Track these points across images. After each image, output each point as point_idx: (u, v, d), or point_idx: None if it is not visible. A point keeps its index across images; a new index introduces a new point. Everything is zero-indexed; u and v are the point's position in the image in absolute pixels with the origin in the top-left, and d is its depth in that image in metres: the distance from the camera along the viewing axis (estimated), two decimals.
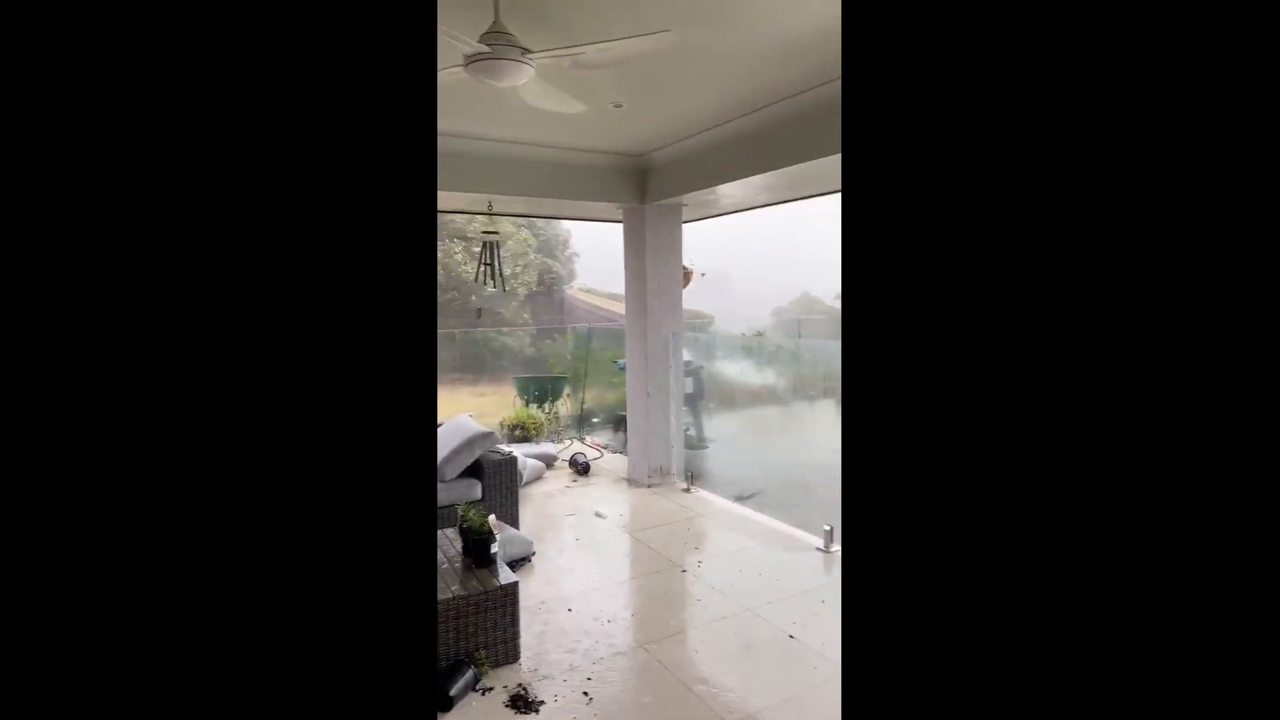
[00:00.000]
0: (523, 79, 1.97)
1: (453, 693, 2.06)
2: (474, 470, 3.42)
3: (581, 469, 4.83)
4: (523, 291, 10.21)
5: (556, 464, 5.04)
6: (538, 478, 4.70)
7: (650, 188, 4.28)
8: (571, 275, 12.16)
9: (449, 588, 2.28)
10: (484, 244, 4.82)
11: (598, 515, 3.93)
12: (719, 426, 5.01)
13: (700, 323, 8.47)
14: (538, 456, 4.88)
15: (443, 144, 3.55)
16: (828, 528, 3.32)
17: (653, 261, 4.37)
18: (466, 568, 2.45)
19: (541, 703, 2.09)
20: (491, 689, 2.16)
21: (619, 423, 5.50)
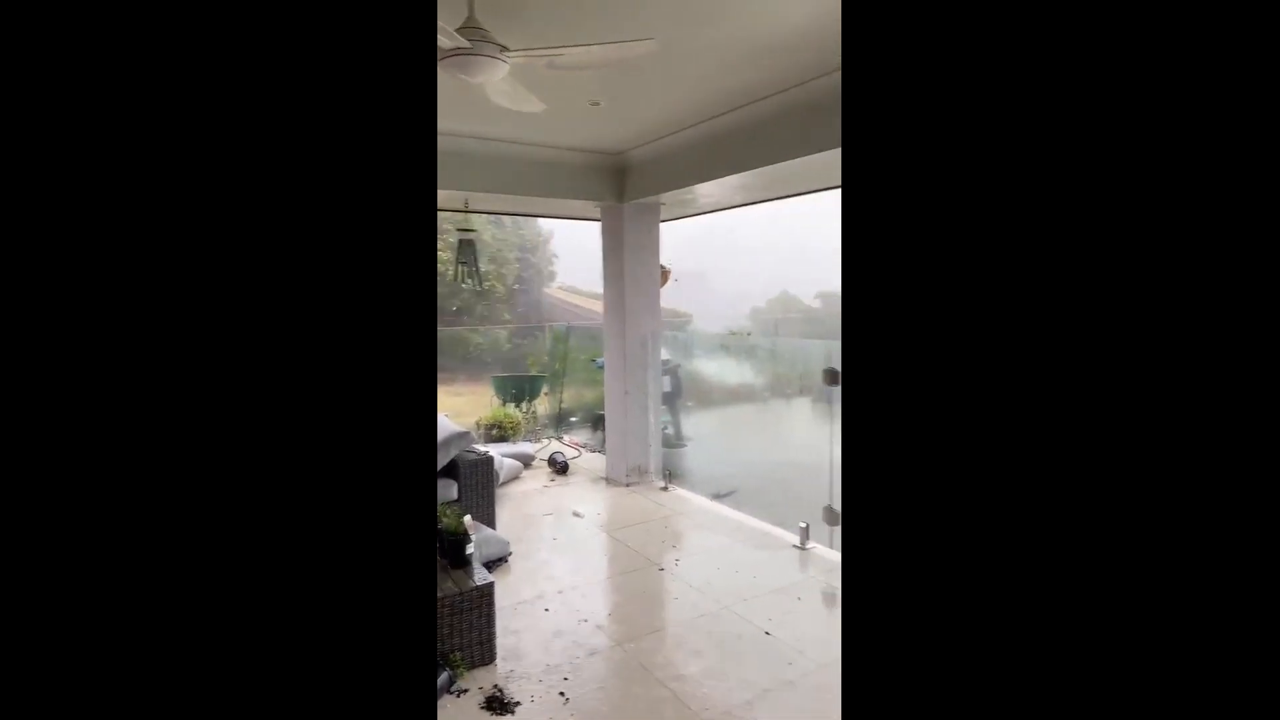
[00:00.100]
0: (497, 75, 1.95)
1: None
2: (449, 470, 3.38)
3: (560, 468, 4.81)
4: (500, 290, 10.14)
5: (534, 463, 5.02)
6: (515, 477, 4.67)
7: (628, 186, 4.28)
8: (551, 275, 12.11)
9: None
10: (460, 242, 4.77)
11: (575, 514, 3.92)
12: (697, 425, 5.03)
13: (679, 321, 8.49)
14: (515, 456, 4.84)
15: None
16: (803, 525, 3.35)
17: (630, 260, 4.36)
18: (442, 569, 2.43)
19: (517, 704, 2.08)
20: (467, 690, 2.14)
21: (597, 422, 5.49)
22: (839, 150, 2.73)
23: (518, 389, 5.91)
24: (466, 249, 4.76)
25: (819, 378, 3.52)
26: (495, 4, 2.08)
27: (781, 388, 4.33)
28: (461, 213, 4.59)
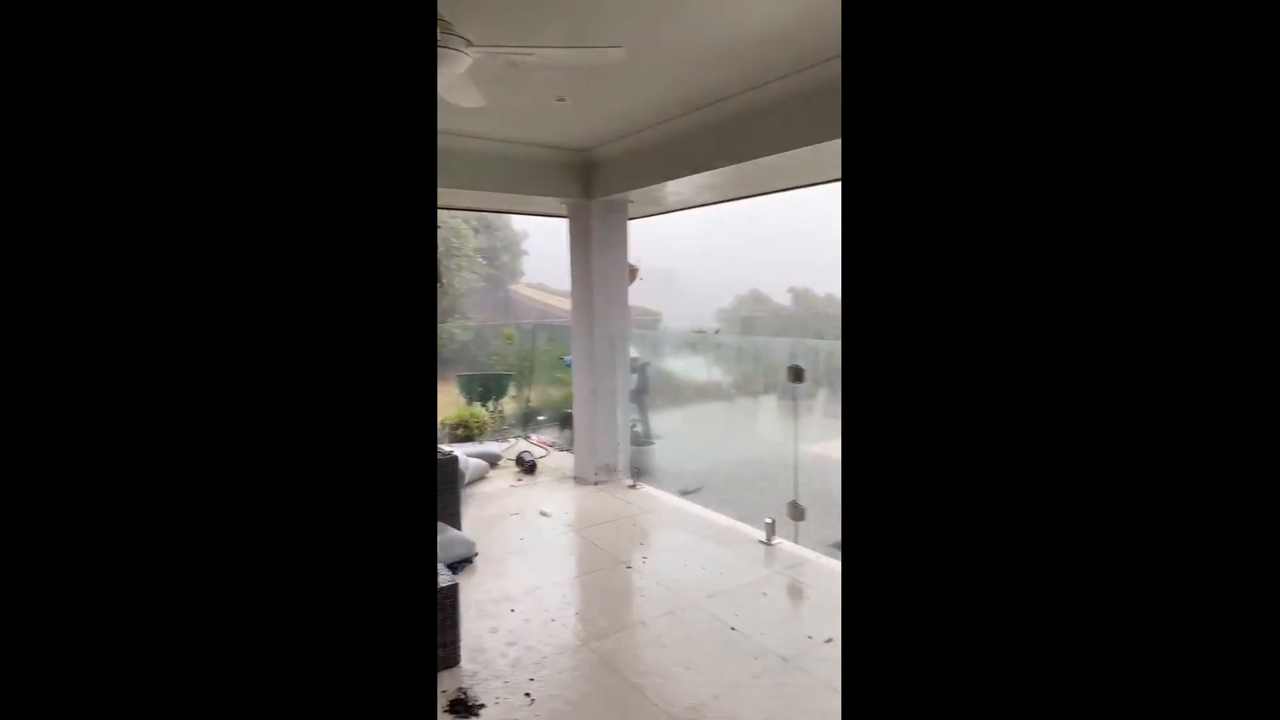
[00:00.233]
0: (460, 68, 1.92)
1: None
2: None
3: (528, 467, 4.77)
4: (461, 287, 9.99)
5: (501, 463, 4.97)
6: (481, 477, 4.62)
7: (595, 183, 4.26)
8: (518, 272, 11.99)
9: None
10: None
11: (542, 514, 3.89)
12: (665, 423, 5.04)
13: (648, 320, 8.50)
14: (481, 456, 4.79)
15: None
16: (769, 520, 3.39)
17: (598, 258, 4.35)
18: None
19: (482, 706, 2.05)
20: None
21: (565, 420, 5.46)
22: (809, 148, 2.79)
23: (484, 388, 5.84)
24: None
25: (784, 375, 3.57)
26: None
27: (748, 385, 4.38)
28: None
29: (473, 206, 5.50)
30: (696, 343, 5.26)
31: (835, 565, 3.13)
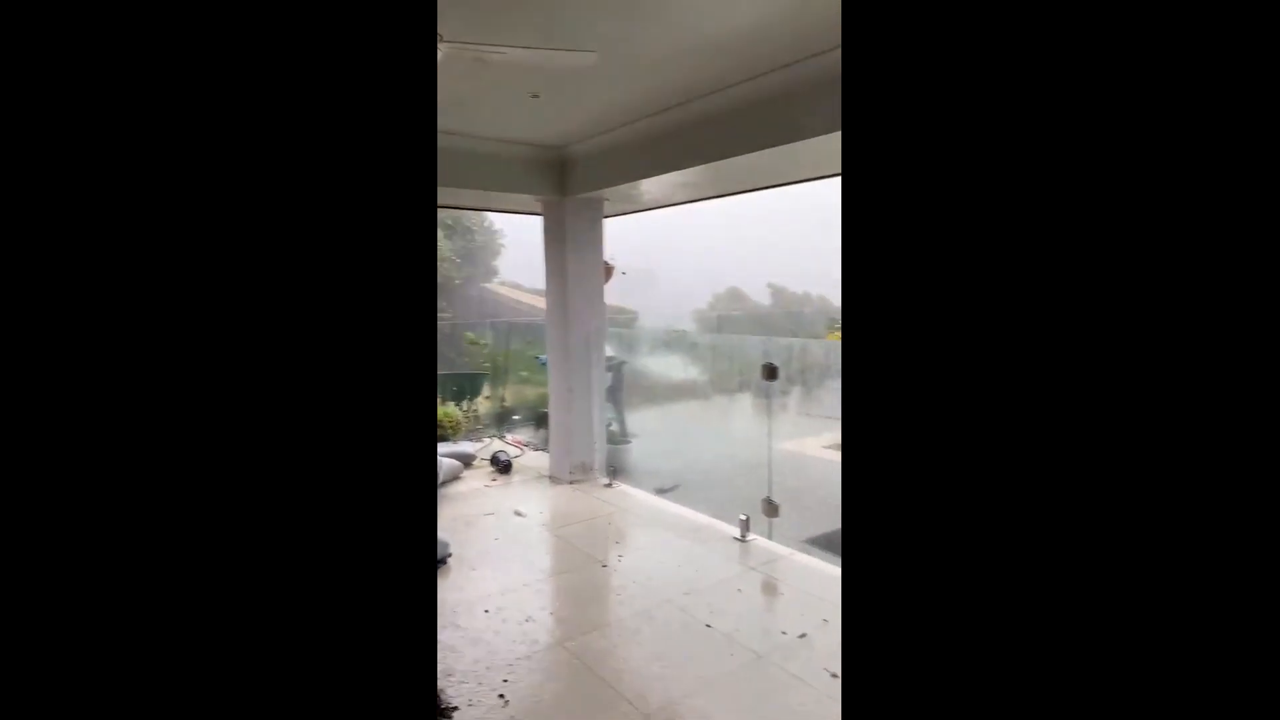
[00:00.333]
0: None
1: None
2: None
3: (503, 467, 4.73)
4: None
5: (475, 463, 4.92)
6: (455, 478, 4.56)
7: (570, 181, 4.24)
8: (492, 270, 11.88)
9: None
10: None
11: (517, 514, 3.86)
12: (642, 421, 5.05)
13: (624, 318, 8.49)
14: (455, 456, 4.73)
15: None
16: (743, 517, 3.42)
17: (573, 256, 4.33)
18: None
19: (455, 708, 2.03)
20: None
21: (540, 419, 5.43)
22: (785, 147, 2.81)
23: (458, 387, 5.77)
24: None
25: (759, 373, 3.60)
26: None
27: (723, 383, 4.41)
28: None
29: (445, 203, 5.43)
30: (672, 341, 5.27)
31: (809, 561, 3.17)
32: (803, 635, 2.45)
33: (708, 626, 2.53)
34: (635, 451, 4.83)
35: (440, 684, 2.15)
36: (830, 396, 3.96)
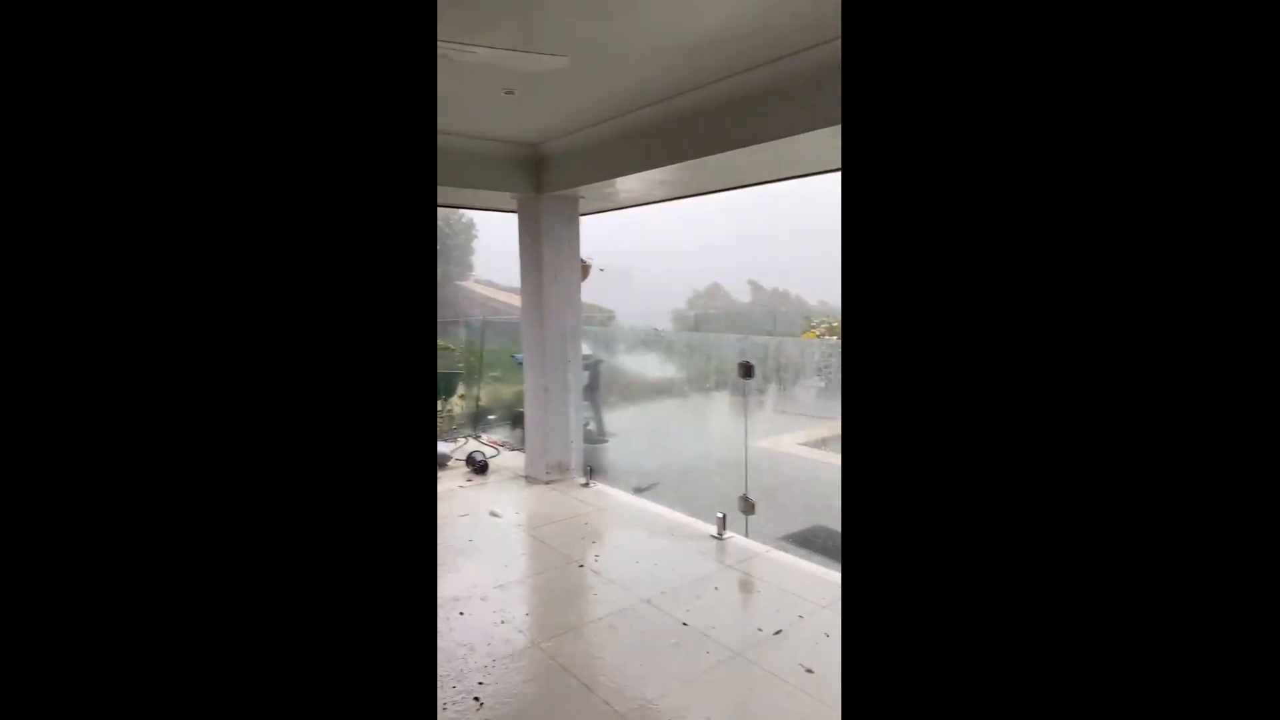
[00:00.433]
0: None
1: None
2: None
3: (479, 467, 4.68)
4: None
5: (450, 463, 4.86)
6: None
7: (545, 178, 4.21)
8: (467, 267, 11.75)
9: None
10: None
11: (493, 514, 3.83)
12: (619, 420, 5.03)
13: (601, 317, 8.47)
14: None
15: None
16: (720, 515, 3.43)
17: (549, 254, 4.30)
18: None
19: None
20: None
21: (517, 419, 5.39)
22: (761, 145, 2.82)
23: None
24: None
25: (735, 371, 3.61)
26: None
27: (700, 382, 4.42)
28: None
29: None
30: (649, 340, 5.27)
31: (784, 558, 3.19)
32: (778, 632, 2.47)
33: (684, 625, 2.53)
34: (612, 451, 4.81)
35: None
36: (805, 394, 3.99)
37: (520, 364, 4.75)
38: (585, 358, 4.68)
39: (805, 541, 3.46)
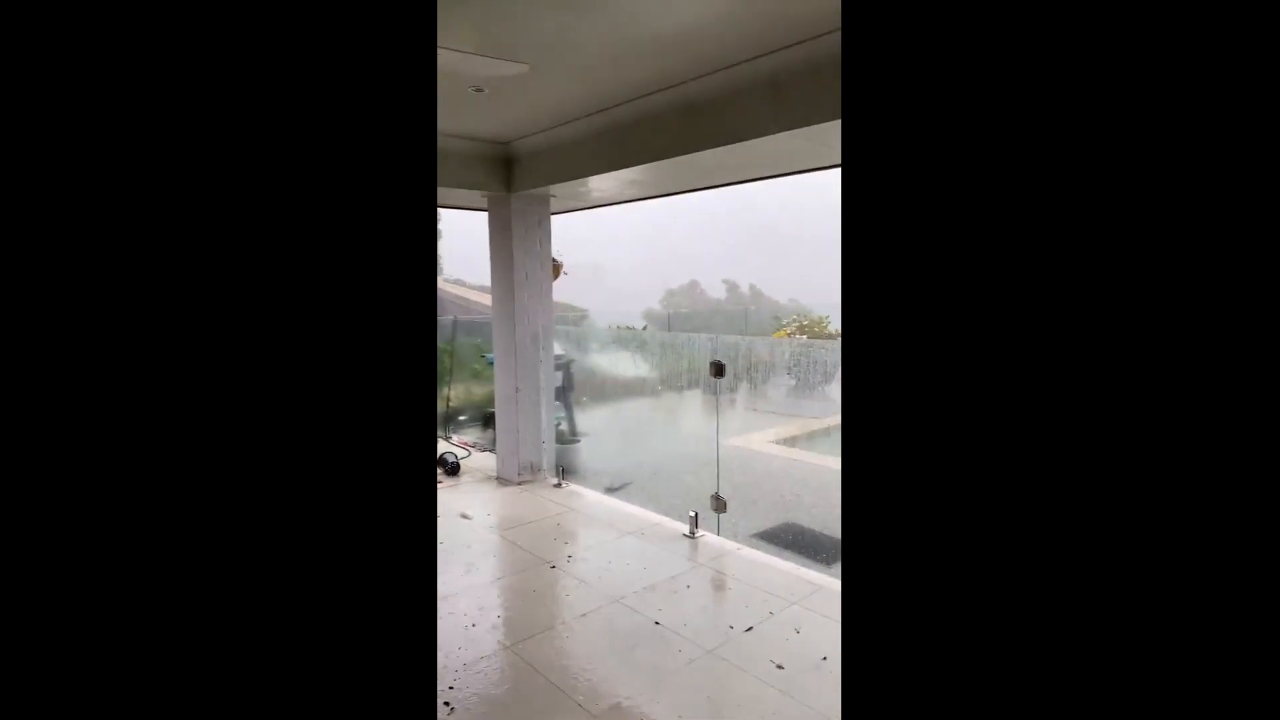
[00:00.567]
0: None
1: None
2: None
3: (451, 469, 4.62)
4: None
5: None
6: None
7: (516, 177, 4.17)
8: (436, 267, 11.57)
9: None
10: None
11: (463, 516, 3.78)
12: (591, 420, 5.02)
13: (574, 316, 8.43)
14: None
15: None
16: (693, 514, 3.45)
17: (520, 253, 4.26)
18: None
19: None
20: None
21: (488, 420, 5.33)
22: (733, 146, 2.83)
23: None
24: None
25: (707, 370, 3.63)
26: None
27: (673, 381, 4.43)
28: None
29: None
30: (622, 338, 5.26)
31: (755, 555, 3.23)
32: (749, 629, 2.49)
33: (656, 624, 2.54)
34: (585, 451, 4.80)
35: None
36: (776, 392, 4.04)
37: (491, 364, 4.70)
38: (557, 357, 4.66)
39: (776, 538, 3.50)
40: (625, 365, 4.87)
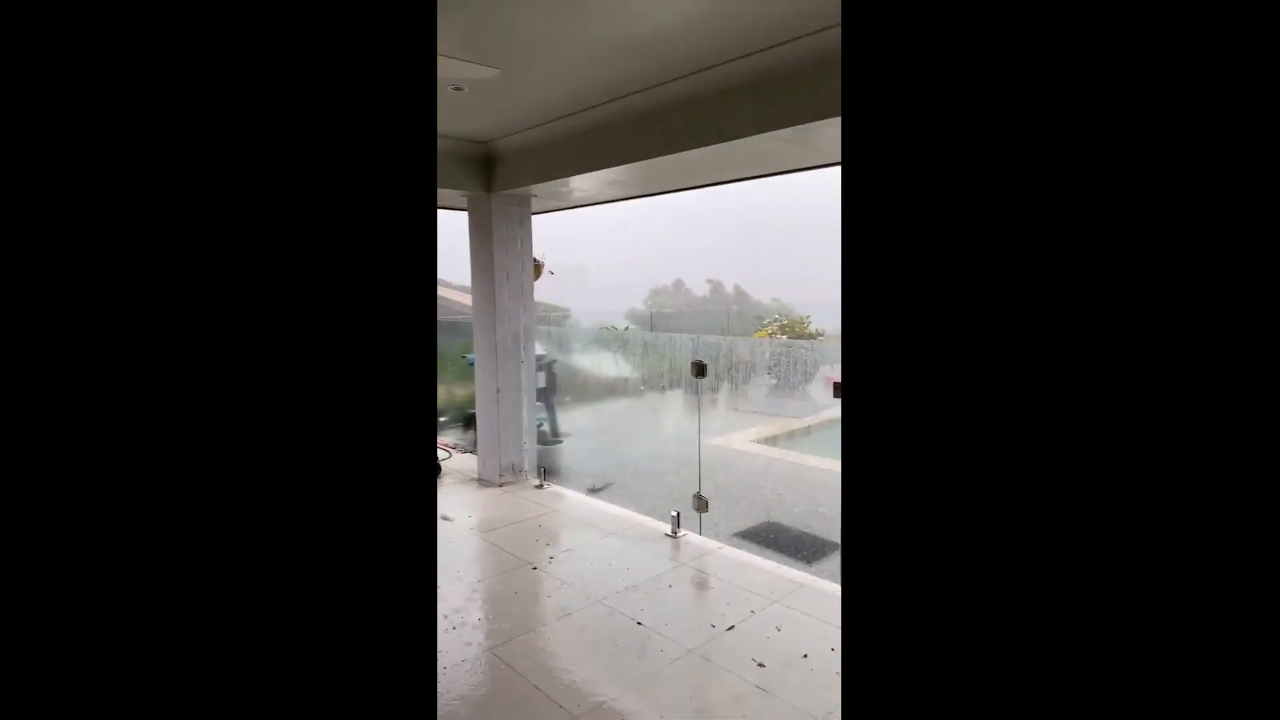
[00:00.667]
0: None
1: None
2: None
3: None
4: None
5: None
6: None
7: (496, 176, 4.14)
8: None
9: None
10: None
11: (444, 518, 3.75)
12: (573, 420, 5.01)
13: (556, 316, 8.40)
14: None
15: None
16: (674, 513, 3.45)
17: (501, 253, 4.24)
18: None
19: None
20: None
21: (469, 420, 5.29)
22: (714, 147, 2.84)
23: None
24: None
25: (689, 370, 3.64)
26: None
27: (655, 381, 4.43)
28: None
29: None
30: (604, 339, 5.26)
31: (737, 554, 3.24)
32: (731, 628, 2.51)
33: (639, 624, 2.54)
34: (567, 451, 4.78)
35: None
36: (756, 391, 4.06)
37: (472, 364, 4.67)
38: (539, 358, 4.64)
39: (757, 537, 3.52)
40: (607, 365, 4.86)
